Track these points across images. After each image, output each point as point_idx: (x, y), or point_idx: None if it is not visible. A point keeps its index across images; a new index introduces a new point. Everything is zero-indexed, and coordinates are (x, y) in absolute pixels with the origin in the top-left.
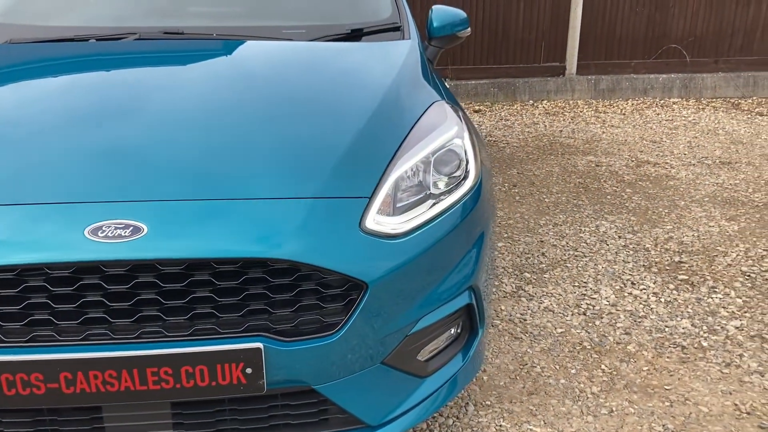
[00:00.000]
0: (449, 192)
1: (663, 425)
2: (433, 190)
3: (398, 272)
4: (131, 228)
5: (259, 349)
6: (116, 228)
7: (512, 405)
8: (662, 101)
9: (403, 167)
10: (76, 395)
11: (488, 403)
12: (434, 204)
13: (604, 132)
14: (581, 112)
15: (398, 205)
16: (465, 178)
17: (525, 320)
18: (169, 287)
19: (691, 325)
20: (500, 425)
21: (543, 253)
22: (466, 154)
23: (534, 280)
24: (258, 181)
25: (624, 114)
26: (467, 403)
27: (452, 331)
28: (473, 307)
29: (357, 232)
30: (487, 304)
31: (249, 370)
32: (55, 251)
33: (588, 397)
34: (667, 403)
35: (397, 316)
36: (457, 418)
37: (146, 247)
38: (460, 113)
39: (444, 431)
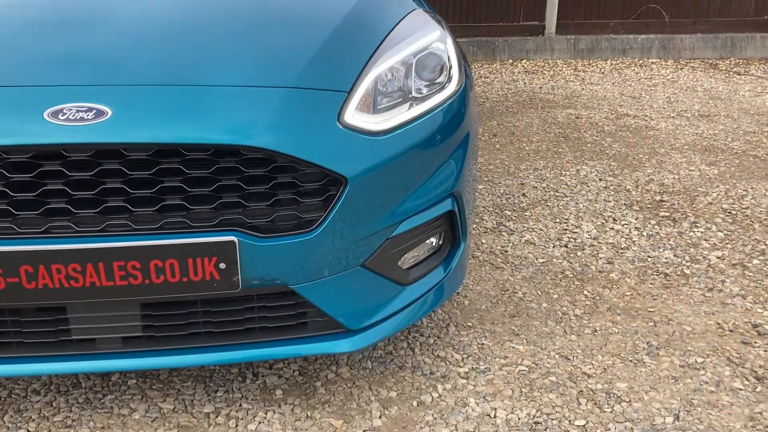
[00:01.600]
0: (431, 95)
1: (647, 342)
2: (415, 94)
3: (379, 170)
4: (94, 111)
5: (233, 242)
6: (78, 111)
7: (494, 326)
8: (641, 61)
9: (382, 66)
10: (38, 291)
11: (469, 324)
12: (416, 105)
13: (583, 89)
14: (560, 70)
15: (379, 106)
16: (448, 83)
17: (506, 252)
18: (136, 175)
19: (674, 255)
20: (482, 343)
21: (524, 194)
22: (449, 59)
23: (515, 218)
24: (232, 69)
25: (603, 73)
26: (448, 324)
27: (434, 242)
28: (455, 215)
29: (335, 125)
30: (469, 216)
31: (222, 266)
32: (12, 134)
33: (571, 319)
34: (650, 323)
35: (378, 217)
36: (438, 337)
37: (110, 130)
38: (443, 23)
39: (425, 349)
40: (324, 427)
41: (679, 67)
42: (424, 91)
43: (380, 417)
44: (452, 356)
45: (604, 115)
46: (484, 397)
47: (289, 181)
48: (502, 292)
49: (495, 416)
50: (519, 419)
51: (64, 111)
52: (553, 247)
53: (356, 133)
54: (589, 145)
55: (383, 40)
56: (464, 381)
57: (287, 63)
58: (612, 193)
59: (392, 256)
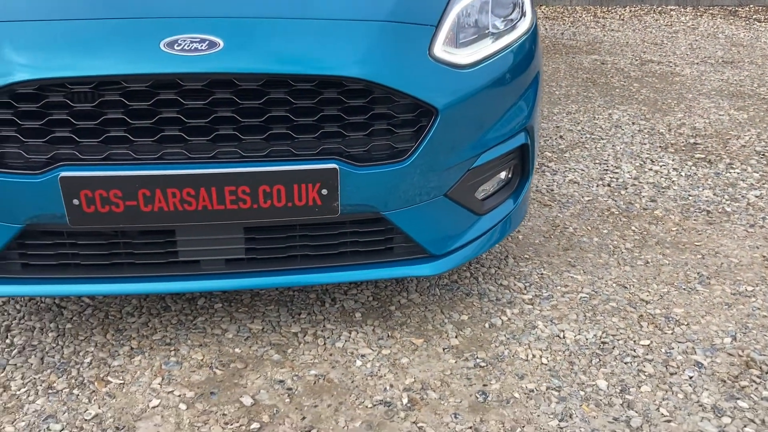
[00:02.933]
0: (506, 31)
1: (698, 273)
2: (491, 30)
3: (466, 101)
4: (207, 42)
5: (335, 170)
6: (192, 42)
7: (550, 258)
8: (660, 8)
9: (463, 1)
10: (153, 214)
11: (526, 256)
12: (497, 40)
13: (605, 35)
14: (580, 17)
15: (461, 41)
16: (521, 20)
17: (552, 190)
18: (246, 104)
19: (713, 194)
20: (542, 273)
21: (560, 137)
22: None
23: (555, 159)
24: (331, 2)
25: (623, 20)
26: (506, 256)
27: (504, 175)
28: (527, 148)
29: (427, 58)
30: (536, 150)
31: (325, 192)
32: (131, 63)
33: (623, 252)
34: (699, 256)
35: (462, 148)
36: (499, 268)
37: (223, 60)
38: None
39: (488, 278)
40: (406, 345)
41: (698, 14)
42: (500, 26)
43: (456, 337)
44: (515, 285)
45: (628, 61)
46: (551, 321)
47: (384, 112)
48: (553, 228)
49: (564, 337)
50: (587, 339)
51: (179, 42)
52: (597, 186)
53: (445, 66)
54: (617, 90)
55: None
56: (530, 306)
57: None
58: (646, 136)
59: (471, 187)
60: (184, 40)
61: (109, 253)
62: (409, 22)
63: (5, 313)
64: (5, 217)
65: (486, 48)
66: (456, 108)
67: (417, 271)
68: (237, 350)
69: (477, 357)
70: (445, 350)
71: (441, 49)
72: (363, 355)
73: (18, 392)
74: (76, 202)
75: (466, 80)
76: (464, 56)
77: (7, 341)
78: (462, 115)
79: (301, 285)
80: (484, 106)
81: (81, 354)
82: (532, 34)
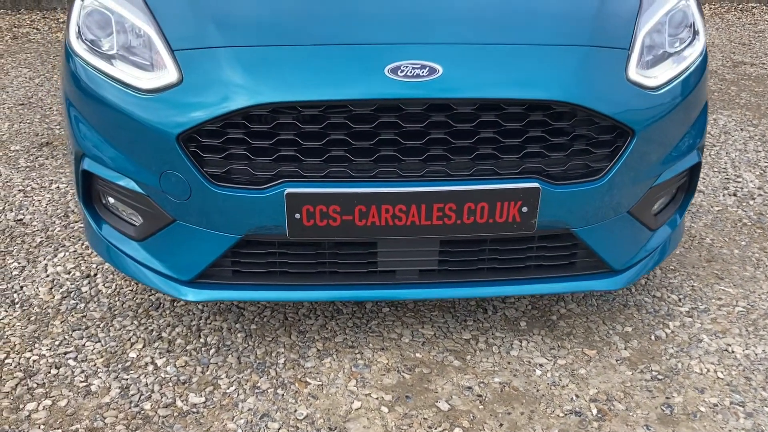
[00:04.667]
0: (683, 51)
1: None
2: (668, 49)
3: (657, 122)
4: (428, 68)
5: (537, 189)
6: (413, 68)
7: (696, 270)
8: (740, 6)
9: (648, 24)
10: (366, 228)
11: (672, 267)
12: (678, 61)
13: None
14: None
15: (648, 63)
16: (695, 39)
17: None
18: (459, 127)
19: None
20: (692, 285)
21: None
22: (694, 16)
23: None
24: (533, 29)
25: (704, 17)
26: None
27: (673, 191)
28: (699, 166)
29: (624, 81)
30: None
31: (525, 209)
32: (359, 88)
33: (767, 265)
34: None
35: (651, 167)
36: (648, 278)
37: (443, 86)
38: None
39: (641, 289)
40: (579, 356)
41: None
42: (677, 47)
43: (625, 348)
44: (668, 296)
45: (719, 62)
46: (715, 335)
47: (584, 133)
48: (691, 238)
49: (733, 351)
50: (757, 355)
51: (402, 68)
52: (723, 195)
53: (639, 88)
54: (716, 93)
55: (640, 2)
56: (690, 319)
57: (576, 23)
58: (759, 143)
59: (649, 204)
60: (407, 66)
61: (315, 262)
62: (607, 46)
63: (191, 313)
64: (227, 228)
65: (670, 69)
66: (649, 129)
67: (599, 285)
68: (418, 355)
69: (652, 369)
70: (619, 362)
71: (635, 72)
72: (540, 365)
73: (228, 390)
74: (297, 216)
75: (657, 102)
76: (653, 78)
77: (201, 340)
78: (653, 135)
79: (488, 296)
80: (671, 126)
81: (273, 355)
82: (705, 52)
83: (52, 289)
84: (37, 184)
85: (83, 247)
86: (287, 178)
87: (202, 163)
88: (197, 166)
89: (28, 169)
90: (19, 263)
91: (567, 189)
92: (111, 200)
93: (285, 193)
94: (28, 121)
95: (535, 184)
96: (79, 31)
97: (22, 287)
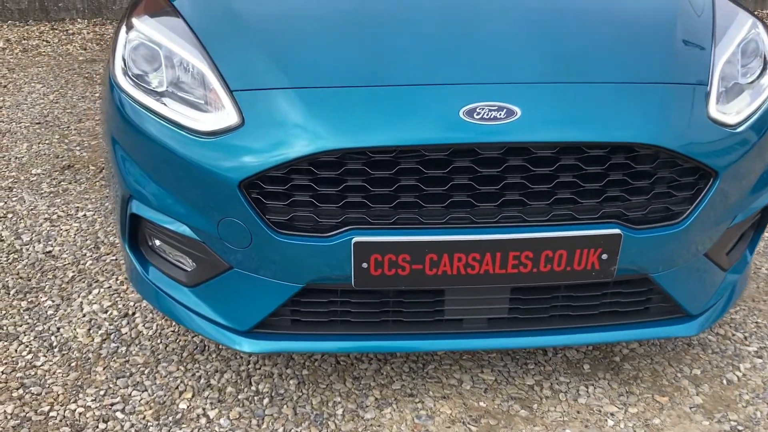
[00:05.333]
0: (756, 82)
1: None
2: (740, 81)
3: (739, 162)
4: (505, 110)
5: (619, 235)
6: (490, 110)
7: (756, 303)
8: (755, 12)
9: (723, 57)
10: (436, 277)
11: None
12: (754, 95)
13: None
14: None
15: (725, 98)
16: (765, 68)
17: None
18: (537, 171)
19: None
20: (756, 322)
21: None
22: (764, 43)
23: None
24: (614, 65)
25: None
26: None
27: (745, 228)
28: None
29: (706, 119)
30: None
31: (605, 256)
32: (433, 132)
33: None
34: None
35: (730, 207)
36: None
37: (523, 129)
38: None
39: None
40: (650, 404)
41: None
42: (749, 78)
43: (697, 394)
44: (733, 334)
45: None
46: None
47: (666, 176)
48: None
49: None
50: None
51: (478, 110)
52: None
53: (720, 126)
54: None
55: (713, 31)
56: (760, 360)
57: (654, 57)
58: None
59: (724, 244)
60: (483, 109)
61: (379, 311)
62: (686, 82)
63: (238, 358)
64: (288, 277)
65: (747, 103)
66: (731, 169)
67: (677, 331)
68: (482, 404)
69: (729, 419)
70: (693, 409)
71: (715, 109)
72: (612, 414)
73: None
74: (364, 265)
75: (738, 140)
76: (732, 115)
77: (253, 389)
78: (735, 175)
79: (561, 345)
80: (752, 164)
81: (330, 404)
82: None
83: (91, 331)
84: (63, 211)
85: (118, 282)
86: (353, 225)
87: (265, 210)
88: (259, 214)
89: (52, 195)
90: (53, 301)
91: (647, 234)
92: (158, 242)
93: (353, 242)
94: (46, 142)
95: (617, 230)
96: (125, 66)
97: (59, 329)
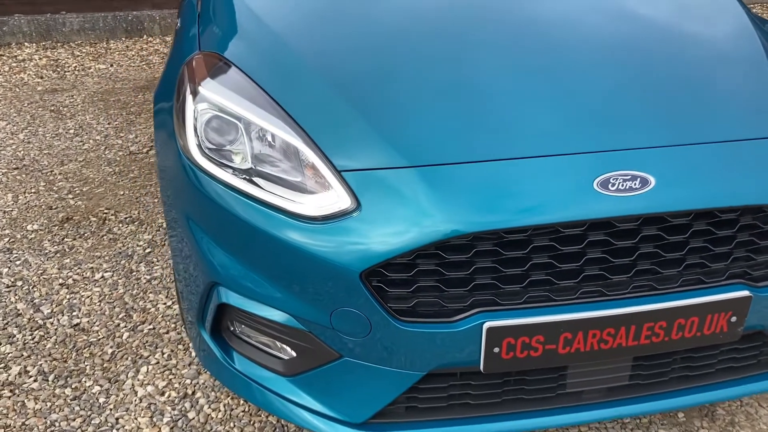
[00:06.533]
0: None
1: None
2: None
3: None
4: (639, 179)
5: (749, 297)
6: (624, 180)
7: None
8: None
9: None
10: (570, 355)
11: None
12: None
13: None
14: None
15: None
16: None
17: None
18: (670, 239)
19: None
20: None
21: None
22: None
23: None
24: (731, 119)
25: None
26: None
27: None
28: None
29: None
30: None
31: (734, 319)
32: (570, 208)
33: None
34: None
35: None
36: None
37: (659, 199)
38: None
39: None
40: None
41: None
42: None
43: None
44: None
45: None
46: None
47: None
48: None
49: None
50: None
51: (611, 181)
52: None
53: None
54: None
55: None
56: None
57: (756, 106)
58: None
59: None
60: (616, 179)
61: (501, 390)
62: None
63: None
64: (410, 366)
65: None
66: None
67: None
68: None
69: None
70: None
71: None
72: None
73: None
74: (496, 350)
75: None
76: None
77: None
78: None
79: (682, 408)
80: None
81: None
82: None
83: (154, 418)
84: (78, 274)
85: (165, 357)
86: (482, 307)
87: (386, 298)
88: (381, 303)
89: (59, 255)
90: (100, 386)
91: None
92: (244, 327)
93: (485, 327)
94: (33, 191)
95: (746, 292)
96: (200, 143)
97: (117, 420)
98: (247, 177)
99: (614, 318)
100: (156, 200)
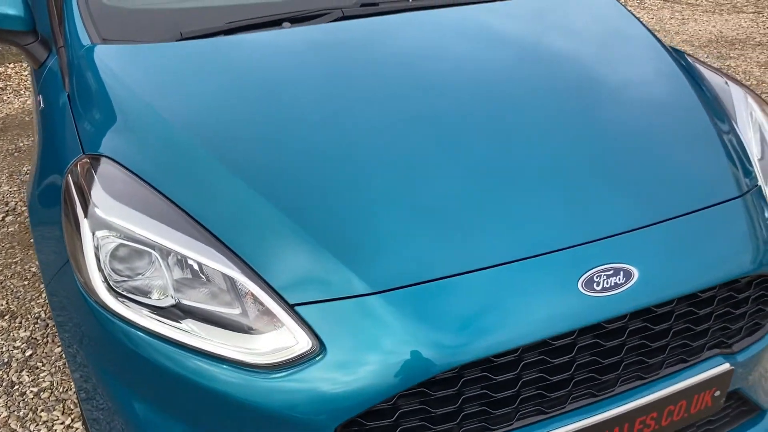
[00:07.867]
0: None
1: None
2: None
3: None
4: (622, 272)
5: (730, 370)
6: (607, 276)
7: None
8: None
9: (755, 149)
10: None
11: None
12: None
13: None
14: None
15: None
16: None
17: None
18: (656, 329)
19: None
20: None
21: None
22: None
23: None
24: (687, 187)
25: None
26: None
27: None
28: None
29: None
30: None
31: (717, 393)
32: (560, 319)
33: None
34: None
35: None
36: None
37: (645, 291)
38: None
39: None
40: None
41: None
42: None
43: None
44: None
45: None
46: None
47: (758, 294)
48: None
49: None
50: None
51: (595, 279)
52: None
53: None
54: None
55: (734, 127)
56: None
57: (721, 170)
58: None
59: None
60: (599, 276)
61: None
62: (749, 190)
63: None
64: None
65: None
66: None
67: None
68: None
69: None
70: None
71: None
72: None
73: None
74: None
75: None
76: None
77: None
78: None
79: None
80: None
81: None
82: None
83: None
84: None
85: None
86: None
87: None
88: None
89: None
90: None
91: (746, 355)
92: None
93: None
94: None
95: (727, 365)
96: (106, 279)
97: None
98: (174, 318)
99: (608, 422)
100: (26, 282)
